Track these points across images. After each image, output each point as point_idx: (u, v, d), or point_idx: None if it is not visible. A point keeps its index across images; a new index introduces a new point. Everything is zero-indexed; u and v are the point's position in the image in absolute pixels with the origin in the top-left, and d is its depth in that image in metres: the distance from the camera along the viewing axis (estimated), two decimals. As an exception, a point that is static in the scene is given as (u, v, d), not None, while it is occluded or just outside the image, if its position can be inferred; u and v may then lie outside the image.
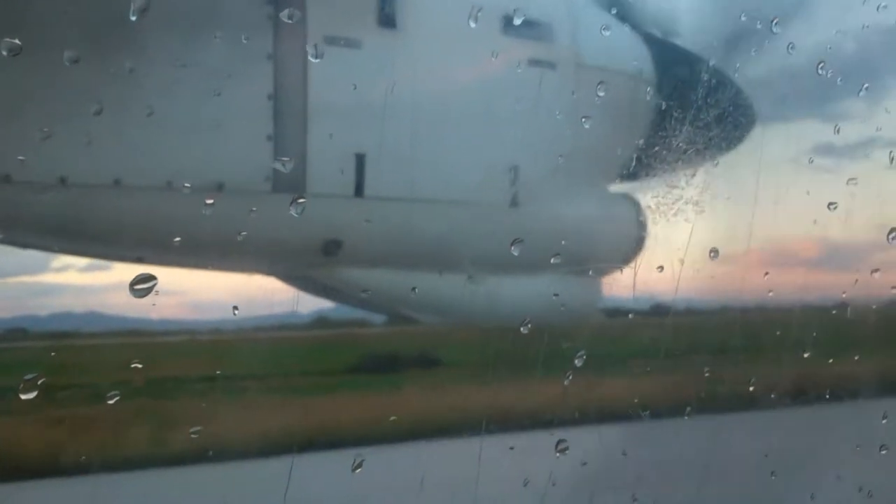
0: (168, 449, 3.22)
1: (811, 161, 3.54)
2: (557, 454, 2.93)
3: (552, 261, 3.39)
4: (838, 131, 3.35)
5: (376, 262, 3.78)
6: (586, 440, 3.21)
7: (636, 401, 3.39)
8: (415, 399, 3.76)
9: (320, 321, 3.88)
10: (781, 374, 3.75)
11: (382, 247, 3.77)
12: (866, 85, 3.43)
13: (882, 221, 3.54)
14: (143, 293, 2.53)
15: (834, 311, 3.74)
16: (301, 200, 2.77)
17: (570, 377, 3.01)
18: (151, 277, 2.51)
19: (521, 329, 2.93)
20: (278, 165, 2.84)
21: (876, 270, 3.65)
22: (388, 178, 3.60)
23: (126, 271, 3.40)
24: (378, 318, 4.23)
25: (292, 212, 2.76)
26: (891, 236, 3.52)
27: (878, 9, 3.37)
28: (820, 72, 3.25)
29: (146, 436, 3.19)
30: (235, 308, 2.77)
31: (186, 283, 3.26)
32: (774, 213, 3.58)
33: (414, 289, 3.71)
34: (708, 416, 3.55)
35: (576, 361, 3.02)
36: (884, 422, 3.68)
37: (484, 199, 3.95)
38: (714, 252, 3.33)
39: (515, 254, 3.13)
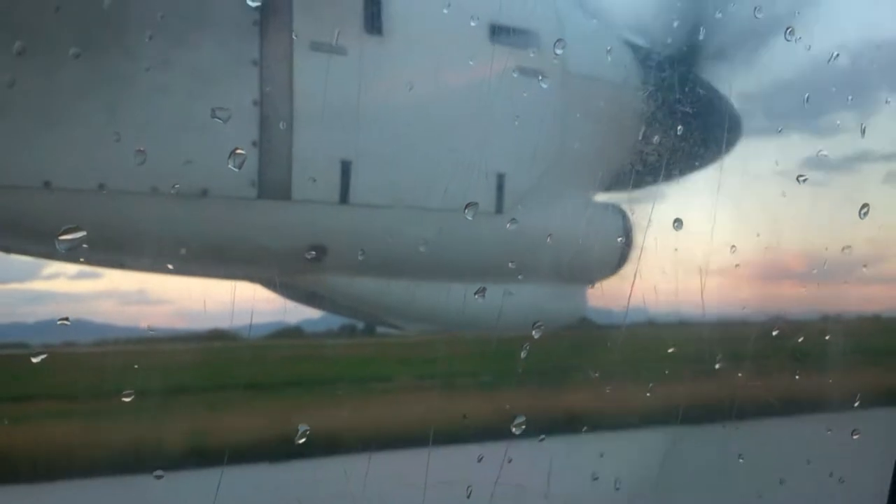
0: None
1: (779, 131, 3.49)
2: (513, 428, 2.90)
3: (540, 268, 3.38)
4: (807, 100, 3.29)
5: (361, 270, 3.71)
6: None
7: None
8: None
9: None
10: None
11: (368, 253, 3.66)
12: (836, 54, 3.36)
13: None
14: (70, 245, 2.41)
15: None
16: (240, 152, 2.66)
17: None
18: (77, 229, 2.40)
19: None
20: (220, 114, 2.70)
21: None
22: (373, 184, 3.57)
23: (114, 278, 3.37)
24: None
25: (231, 165, 2.66)
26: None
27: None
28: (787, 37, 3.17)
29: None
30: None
31: (172, 290, 3.22)
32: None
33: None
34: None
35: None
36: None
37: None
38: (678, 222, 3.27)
39: (470, 218, 3.07)
